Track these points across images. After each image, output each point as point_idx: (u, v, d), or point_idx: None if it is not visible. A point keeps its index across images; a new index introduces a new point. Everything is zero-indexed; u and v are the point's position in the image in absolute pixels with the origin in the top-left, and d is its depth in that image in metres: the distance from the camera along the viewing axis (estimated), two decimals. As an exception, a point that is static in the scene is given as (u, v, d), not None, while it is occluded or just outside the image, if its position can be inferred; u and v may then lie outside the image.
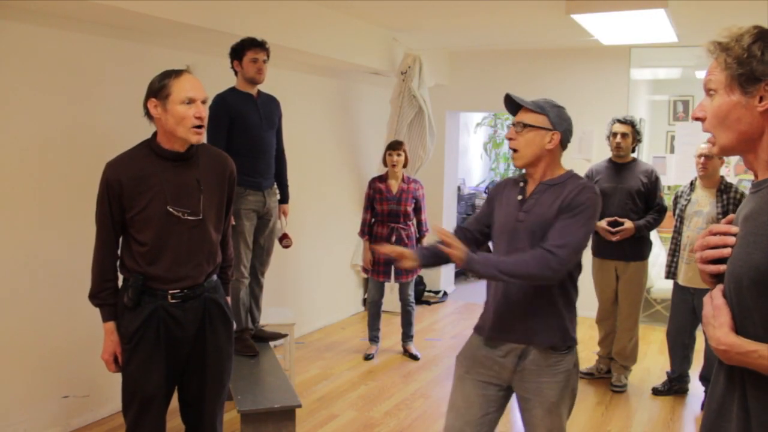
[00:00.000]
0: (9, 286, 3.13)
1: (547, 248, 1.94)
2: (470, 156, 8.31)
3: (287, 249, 4.02)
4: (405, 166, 4.69)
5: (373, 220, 4.71)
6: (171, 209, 2.12)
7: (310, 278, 5.33)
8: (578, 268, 2.10)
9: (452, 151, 6.93)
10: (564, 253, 1.93)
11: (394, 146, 4.66)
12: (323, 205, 5.42)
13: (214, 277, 2.31)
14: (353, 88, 5.84)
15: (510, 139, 2.08)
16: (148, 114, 2.14)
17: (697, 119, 1.28)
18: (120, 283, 2.24)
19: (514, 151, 2.08)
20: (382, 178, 4.68)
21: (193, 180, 2.18)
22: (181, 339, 2.20)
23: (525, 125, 2.04)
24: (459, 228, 2.29)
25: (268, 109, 3.64)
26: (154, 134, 2.20)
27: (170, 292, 2.16)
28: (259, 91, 3.61)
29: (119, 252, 2.22)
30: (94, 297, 2.20)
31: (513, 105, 2.12)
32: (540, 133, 2.04)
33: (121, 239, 2.21)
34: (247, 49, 3.46)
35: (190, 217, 2.16)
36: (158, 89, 2.09)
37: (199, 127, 2.11)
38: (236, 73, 3.54)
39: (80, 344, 3.45)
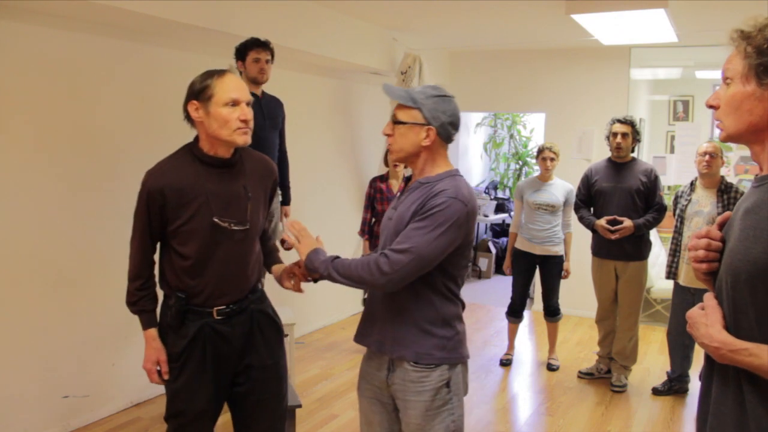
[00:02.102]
0: (9, 286, 3.13)
1: (385, 251, 1.77)
2: (470, 156, 8.30)
3: (289, 251, 4.01)
4: (406, 166, 4.69)
5: (373, 219, 4.71)
6: (217, 220, 1.97)
7: (310, 278, 5.32)
8: (451, 278, 1.87)
9: (452, 151, 6.89)
10: (400, 258, 1.73)
11: None
12: (323, 205, 5.42)
13: (259, 286, 2.17)
14: (353, 88, 5.84)
15: (387, 134, 1.89)
16: (188, 118, 1.99)
17: (710, 107, 1.28)
18: (159, 296, 2.12)
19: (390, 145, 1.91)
20: (383, 178, 4.68)
21: (240, 187, 2.04)
22: (228, 354, 2.08)
23: (396, 121, 1.86)
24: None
25: (272, 109, 3.64)
26: (196, 138, 2.04)
27: (216, 308, 2.03)
28: (263, 92, 3.61)
29: (160, 265, 2.09)
30: (132, 305, 2.07)
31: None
32: (413, 129, 1.83)
33: (158, 250, 2.09)
34: (249, 49, 3.47)
35: (236, 227, 2.01)
36: (199, 90, 1.94)
37: (245, 128, 1.97)
38: (240, 73, 3.55)
39: (80, 344, 3.45)
